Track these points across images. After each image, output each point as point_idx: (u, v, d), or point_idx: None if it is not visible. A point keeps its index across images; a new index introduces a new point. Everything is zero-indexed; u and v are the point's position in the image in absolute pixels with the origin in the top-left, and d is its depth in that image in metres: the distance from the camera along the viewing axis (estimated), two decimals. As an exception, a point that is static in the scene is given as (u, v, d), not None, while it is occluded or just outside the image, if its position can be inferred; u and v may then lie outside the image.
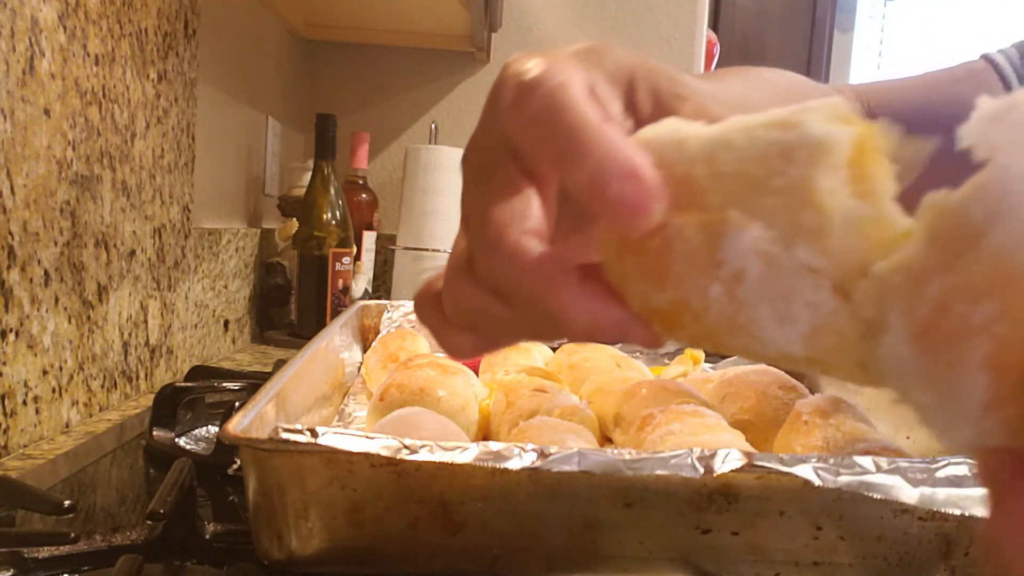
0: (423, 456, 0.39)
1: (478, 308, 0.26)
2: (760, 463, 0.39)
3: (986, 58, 0.66)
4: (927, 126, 0.72)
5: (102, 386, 0.75)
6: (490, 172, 0.26)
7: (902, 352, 0.19)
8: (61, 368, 0.68)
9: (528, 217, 0.25)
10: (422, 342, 0.86)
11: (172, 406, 0.66)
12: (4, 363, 0.60)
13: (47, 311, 0.65)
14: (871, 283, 0.19)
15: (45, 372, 0.65)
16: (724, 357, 0.93)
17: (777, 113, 0.21)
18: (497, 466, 0.39)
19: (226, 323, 1.10)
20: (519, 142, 0.25)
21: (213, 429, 0.69)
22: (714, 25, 2.55)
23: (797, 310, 0.20)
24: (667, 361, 0.93)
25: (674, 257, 0.22)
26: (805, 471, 0.39)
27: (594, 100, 0.25)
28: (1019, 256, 0.17)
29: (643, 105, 0.29)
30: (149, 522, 0.45)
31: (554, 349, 0.86)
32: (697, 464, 0.40)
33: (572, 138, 0.23)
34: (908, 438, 0.66)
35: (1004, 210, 0.17)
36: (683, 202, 0.22)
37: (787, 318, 0.21)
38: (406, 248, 1.39)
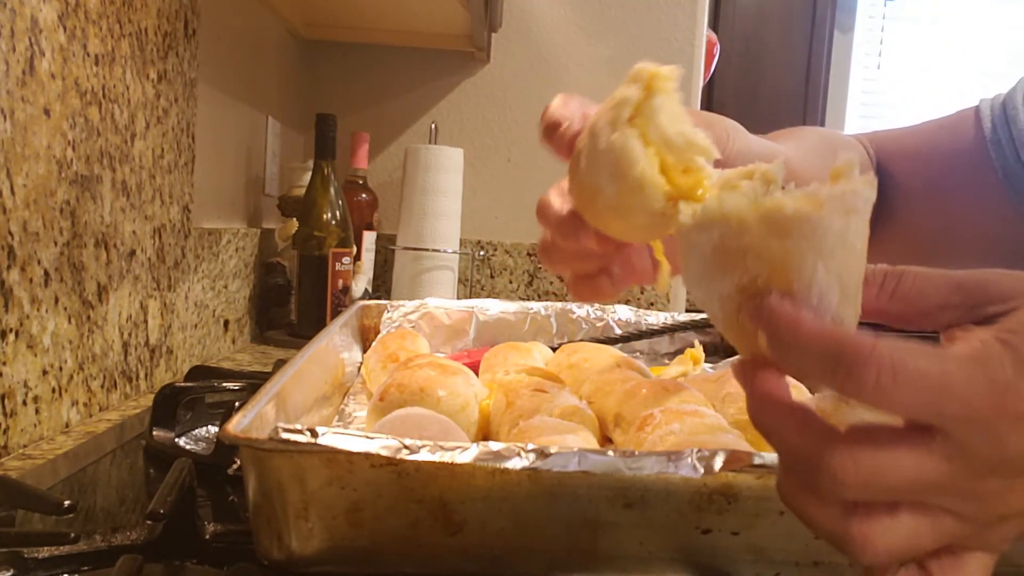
0: (423, 456, 0.39)
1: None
2: (760, 463, 0.39)
3: (978, 104, 0.70)
4: (914, 170, 0.79)
5: (102, 386, 0.75)
6: None
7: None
8: (61, 368, 0.68)
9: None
10: (422, 342, 0.86)
11: (172, 406, 0.66)
12: (4, 363, 0.60)
13: (47, 311, 0.65)
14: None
15: (45, 372, 0.65)
16: (725, 356, 0.93)
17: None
18: (497, 466, 0.39)
19: (226, 323, 1.10)
20: None
21: (213, 429, 0.69)
22: (714, 25, 2.55)
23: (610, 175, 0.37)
24: (667, 361, 0.93)
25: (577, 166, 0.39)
26: (805, 471, 0.39)
27: None
28: None
29: None
30: (149, 522, 0.45)
31: (554, 349, 0.86)
32: (697, 464, 0.40)
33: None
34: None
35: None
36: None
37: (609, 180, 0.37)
38: (406, 248, 1.39)
